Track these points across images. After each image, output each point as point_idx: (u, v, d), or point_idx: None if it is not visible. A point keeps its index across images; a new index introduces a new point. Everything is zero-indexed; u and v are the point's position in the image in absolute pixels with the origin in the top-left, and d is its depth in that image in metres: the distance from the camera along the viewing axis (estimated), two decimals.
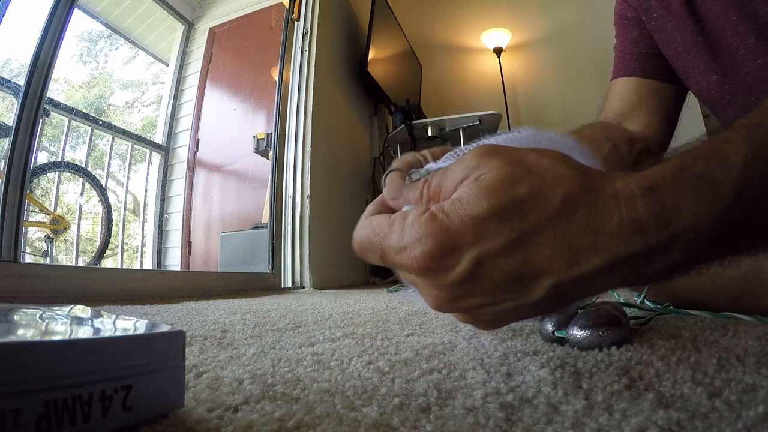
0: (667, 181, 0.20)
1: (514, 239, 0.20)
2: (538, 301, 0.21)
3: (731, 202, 0.19)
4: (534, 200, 0.20)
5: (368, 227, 0.25)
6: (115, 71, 3.14)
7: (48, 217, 2.17)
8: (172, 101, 2.80)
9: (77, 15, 2.41)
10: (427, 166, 0.28)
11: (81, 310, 0.31)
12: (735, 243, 0.21)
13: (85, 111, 2.51)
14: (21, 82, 1.32)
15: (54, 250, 2.23)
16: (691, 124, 0.66)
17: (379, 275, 1.99)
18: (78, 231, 2.32)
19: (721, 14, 0.53)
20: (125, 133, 2.60)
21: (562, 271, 0.20)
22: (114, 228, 2.43)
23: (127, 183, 2.69)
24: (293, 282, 1.60)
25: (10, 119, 1.55)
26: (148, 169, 2.72)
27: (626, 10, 0.67)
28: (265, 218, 2.00)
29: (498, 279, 0.21)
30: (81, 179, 2.33)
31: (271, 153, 1.90)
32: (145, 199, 2.71)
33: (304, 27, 1.81)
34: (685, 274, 0.22)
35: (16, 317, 0.26)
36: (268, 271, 1.63)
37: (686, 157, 0.21)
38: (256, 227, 2.13)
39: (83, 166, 2.36)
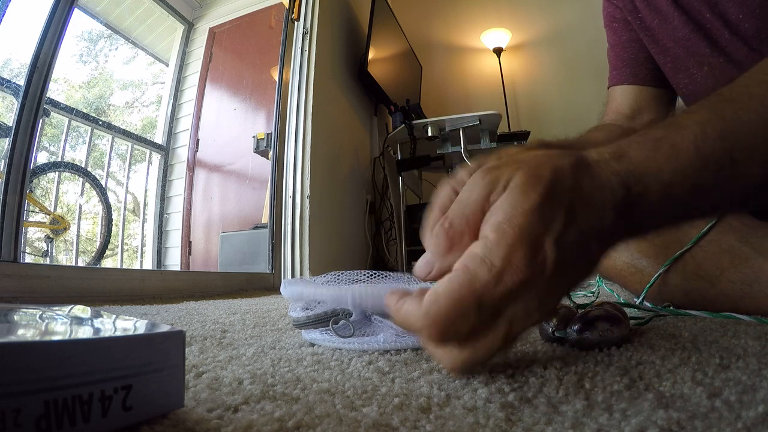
0: (631, 144, 0.24)
1: (568, 209, 0.22)
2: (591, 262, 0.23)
3: (691, 157, 0.23)
4: (557, 177, 0.22)
5: (451, 291, 0.21)
6: (115, 71, 3.14)
7: (48, 217, 2.17)
8: (172, 101, 2.79)
9: (77, 15, 2.41)
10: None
11: (81, 310, 0.31)
12: (708, 196, 0.24)
13: (85, 111, 2.51)
14: (21, 82, 1.32)
15: (54, 250, 2.23)
16: None
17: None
18: (78, 231, 2.32)
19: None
20: (125, 133, 2.60)
21: (603, 218, 0.22)
22: (114, 228, 2.43)
23: (127, 183, 2.69)
24: None
25: (10, 119, 1.55)
26: (148, 169, 2.72)
27: (614, 11, 0.67)
28: (265, 218, 2.00)
29: (574, 245, 0.22)
30: (81, 179, 2.33)
31: (271, 153, 1.90)
32: (145, 199, 2.71)
33: (304, 27, 1.81)
34: (674, 224, 0.25)
35: (16, 317, 0.26)
36: (268, 271, 1.63)
37: (649, 127, 0.25)
38: (256, 227, 2.13)
39: (83, 166, 2.35)
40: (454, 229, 0.24)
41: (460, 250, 0.23)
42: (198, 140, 2.75)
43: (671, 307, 0.47)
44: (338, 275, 0.40)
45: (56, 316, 0.26)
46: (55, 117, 2.29)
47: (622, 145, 0.24)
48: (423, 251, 0.26)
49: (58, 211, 2.23)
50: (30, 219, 2.11)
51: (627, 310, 0.44)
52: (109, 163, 2.55)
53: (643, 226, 0.24)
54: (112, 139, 2.54)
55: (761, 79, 0.25)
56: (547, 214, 0.21)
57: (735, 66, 0.50)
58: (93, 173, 2.38)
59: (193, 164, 2.72)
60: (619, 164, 0.23)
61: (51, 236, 2.20)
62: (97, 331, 0.22)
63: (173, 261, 2.59)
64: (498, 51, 2.82)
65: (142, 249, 2.65)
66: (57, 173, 2.24)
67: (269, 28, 2.72)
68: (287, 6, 1.91)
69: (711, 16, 0.51)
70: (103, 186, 2.41)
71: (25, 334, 0.21)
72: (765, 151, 0.23)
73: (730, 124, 0.24)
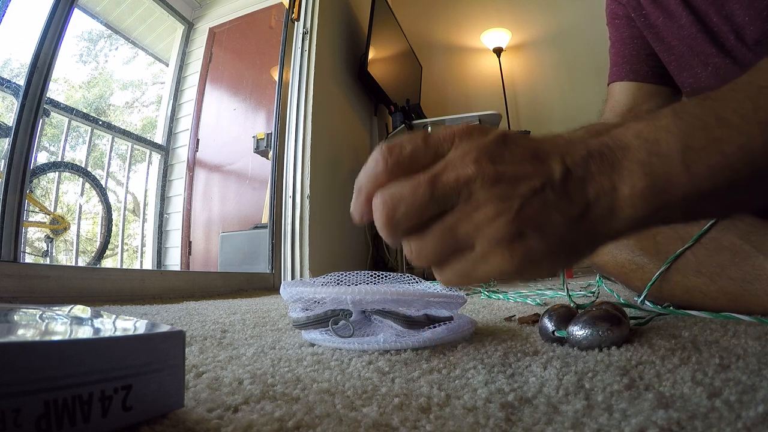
0: (614, 126, 0.26)
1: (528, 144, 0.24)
2: (559, 181, 0.23)
3: (669, 119, 0.24)
4: (522, 134, 0.25)
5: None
6: (115, 71, 3.14)
7: (48, 217, 2.17)
8: (172, 101, 2.79)
9: (77, 15, 2.40)
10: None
11: (81, 310, 0.31)
12: (704, 157, 0.23)
13: (85, 111, 2.50)
14: (21, 82, 1.32)
15: (54, 250, 2.23)
16: None
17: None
18: (78, 231, 2.32)
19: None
20: (125, 133, 2.60)
21: (566, 153, 0.24)
22: (114, 228, 2.43)
23: (127, 183, 2.68)
24: None
25: (10, 119, 1.55)
26: (148, 169, 2.71)
27: (616, 9, 0.66)
28: (265, 218, 2.00)
29: (521, 149, 0.24)
30: (81, 179, 2.33)
31: (271, 153, 1.90)
32: (145, 199, 2.71)
33: (304, 27, 1.81)
34: (688, 188, 0.23)
35: (16, 317, 0.26)
36: (268, 271, 1.63)
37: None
38: (256, 227, 2.13)
39: (83, 166, 2.35)
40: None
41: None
42: (198, 140, 2.75)
43: (671, 308, 0.47)
44: (339, 276, 0.40)
45: (56, 316, 0.26)
46: (55, 117, 2.29)
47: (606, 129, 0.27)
48: None
49: (58, 211, 2.23)
50: (30, 219, 2.11)
51: (627, 310, 0.44)
52: (109, 163, 2.55)
53: (643, 181, 0.23)
54: (112, 139, 2.54)
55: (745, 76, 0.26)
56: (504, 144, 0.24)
57: (740, 68, 0.50)
58: (93, 173, 2.38)
59: (193, 164, 2.72)
60: (588, 127, 0.26)
61: (51, 236, 2.20)
62: (97, 331, 0.22)
63: (173, 261, 2.59)
64: (498, 51, 2.82)
65: (142, 249, 2.65)
66: (57, 173, 2.24)
67: (269, 28, 2.72)
68: (287, 6, 1.91)
69: (718, 20, 0.51)
70: (103, 186, 2.41)
71: (25, 334, 0.21)
72: (756, 111, 0.23)
73: (708, 99, 0.25)
